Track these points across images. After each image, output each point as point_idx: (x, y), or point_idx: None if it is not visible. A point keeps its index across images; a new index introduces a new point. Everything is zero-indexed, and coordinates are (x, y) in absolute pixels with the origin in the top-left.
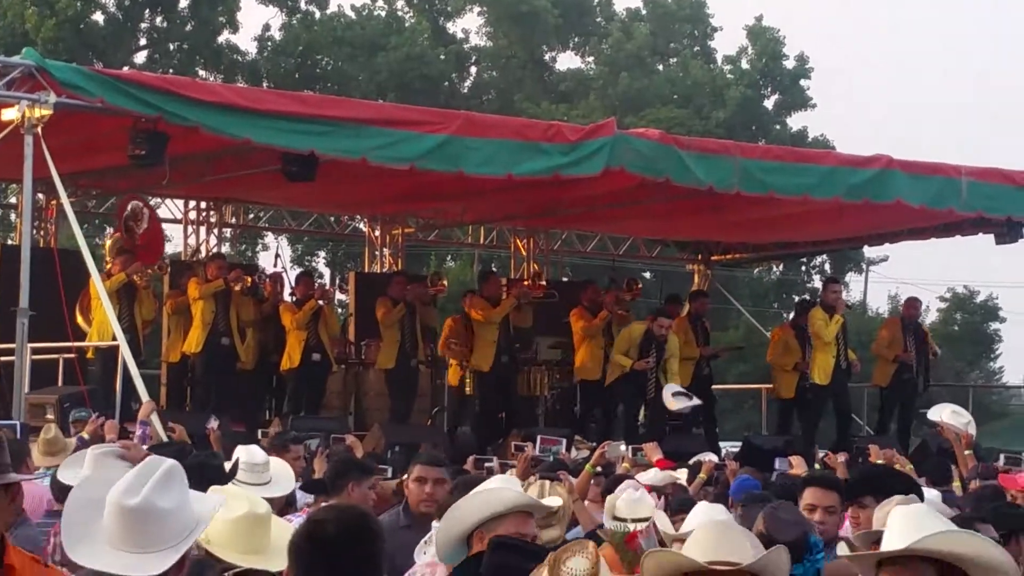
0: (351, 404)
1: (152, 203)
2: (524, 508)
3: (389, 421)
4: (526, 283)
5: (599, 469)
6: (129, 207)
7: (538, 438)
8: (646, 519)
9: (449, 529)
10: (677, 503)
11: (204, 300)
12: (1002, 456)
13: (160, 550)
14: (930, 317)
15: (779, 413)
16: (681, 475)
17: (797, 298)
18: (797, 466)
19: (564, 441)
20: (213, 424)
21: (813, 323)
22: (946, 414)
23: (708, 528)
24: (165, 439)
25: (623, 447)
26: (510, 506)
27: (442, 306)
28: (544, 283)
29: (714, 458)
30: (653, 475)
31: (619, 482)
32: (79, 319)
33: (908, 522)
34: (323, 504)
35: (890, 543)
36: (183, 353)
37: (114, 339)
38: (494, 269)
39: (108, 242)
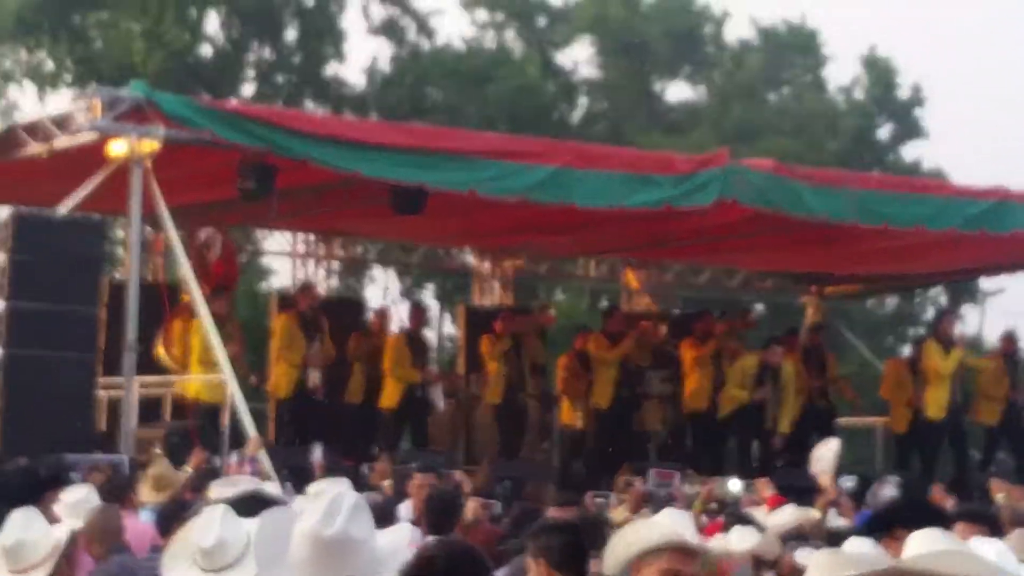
0: (460, 440)
1: (259, 236)
2: (678, 545)
3: (498, 456)
4: (645, 324)
5: (713, 505)
6: (202, 235)
7: (651, 472)
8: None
9: (614, 554)
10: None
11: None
12: None
13: None
14: None
15: (897, 448)
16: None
17: (912, 331)
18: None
19: (678, 475)
20: (318, 455)
21: (928, 356)
22: None
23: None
24: (273, 474)
25: (732, 484)
26: (663, 542)
27: (552, 339)
28: (664, 328)
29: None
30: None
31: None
32: (161, 352)
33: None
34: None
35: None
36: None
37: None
38: (615, 305)
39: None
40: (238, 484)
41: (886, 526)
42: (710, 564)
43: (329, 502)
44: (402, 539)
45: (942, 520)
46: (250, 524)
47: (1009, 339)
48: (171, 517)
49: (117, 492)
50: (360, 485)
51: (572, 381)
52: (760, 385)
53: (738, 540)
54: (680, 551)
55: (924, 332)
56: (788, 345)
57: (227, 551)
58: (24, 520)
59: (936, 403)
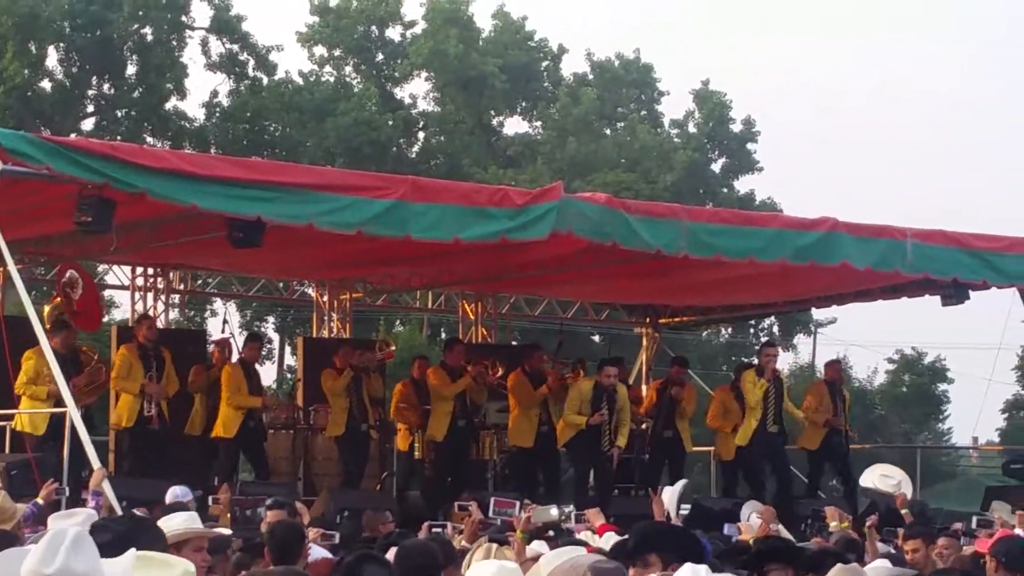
0: (299, 469)
1: (100, 269)
2: None
3: (339, 486)
4: (485, 363)
5: (550, 532)
6: (67, 275)
7: (491, 501)
8: None
9: None
10: None
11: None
12: (974, 519)
13: None
14: (878, 379)
15: (723, 475)
16: None
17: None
18: (745, 532)
19: (517, 504)
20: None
21: (744, 385)
22: (875, 478)
23: None
24: (117, 508)
25: (553, 511)
26: None
27: (391, 371)
28: (500, 369)
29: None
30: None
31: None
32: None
33: None
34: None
35: None
36: (134, 417)
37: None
38: (455, 338)
39: (47, 308)
40: (75, 516)
41: (638, 553)
42: None
43: (49, 538)
44: (127, 567)
45: (695, 544)
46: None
47: (834, 367)
48: None
49: None
50: (204, 518)
51: (407, 410)
52: (597, 409)
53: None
54: None
55: (744, 360)
56: (619, 367)
57: None
58: None
59: (745, 431)
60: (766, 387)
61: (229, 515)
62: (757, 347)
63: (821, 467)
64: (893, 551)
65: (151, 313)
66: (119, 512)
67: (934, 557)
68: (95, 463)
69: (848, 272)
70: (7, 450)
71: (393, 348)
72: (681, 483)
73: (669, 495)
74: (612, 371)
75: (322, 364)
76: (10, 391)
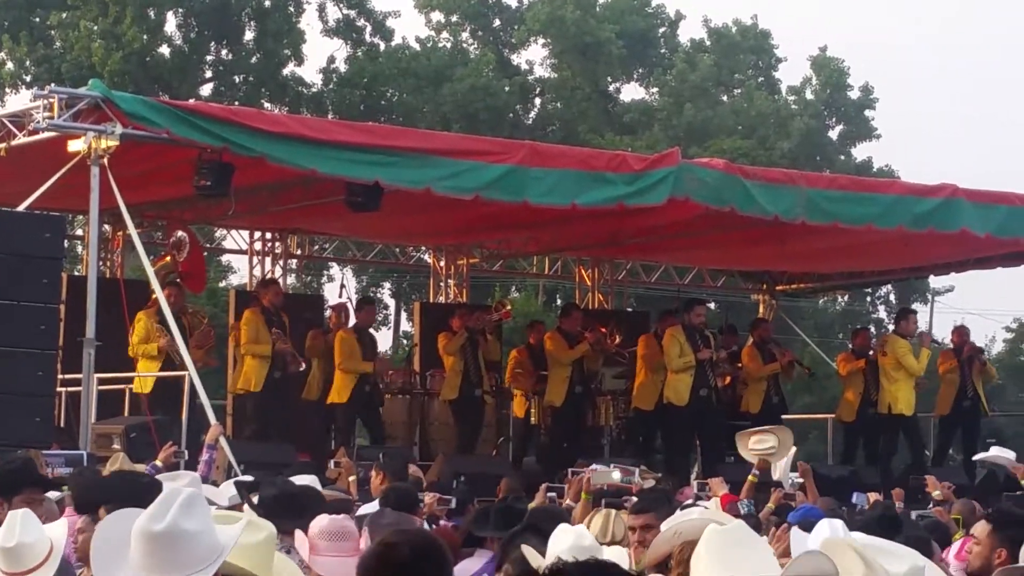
0: (416, 434)
1: (217, 234)
2: None
3: (454, 452)
4: (603, 330)
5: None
6: (175, 235)
7: (609, 467)
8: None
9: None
10: None
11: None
12: None
13: (186, 574)
14: (996, 348)
15: (844, 441)
16: None
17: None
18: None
19: (636, 471)
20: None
21: (896, 352)
22: (991, 454)
23: None
24: (235, 465)
25: (615, 473)
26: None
27: (506, 338)
28: (618, 337)
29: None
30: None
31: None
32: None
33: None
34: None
35: None
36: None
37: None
38: (574, 303)
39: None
40: (181, 478)
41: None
42: None
43: (160, 499)
44: (238, 532)
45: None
46: (52, 529)
47: (959, 332)
48: None
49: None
50: (323, 481)
51: (523, 376)
52: (696, 350)
53: None
54: None
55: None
56: (731, 336)
57: (26, 554)
58: (22, 521)
59: (906, 399)
60: (929, 356)
61: (350, 479)
62: (873, 315)
63: (951, 435)
64: None
65: (271, 277)
66: (237, 470)
67: None
68: (212, 420)
69: (967, 239)
70: (126, 412)
71: (509, 307)
72: (792, 451)
73: (782, 465)
74: (701, 310)
75: (439, 329)
76: (127, 354)
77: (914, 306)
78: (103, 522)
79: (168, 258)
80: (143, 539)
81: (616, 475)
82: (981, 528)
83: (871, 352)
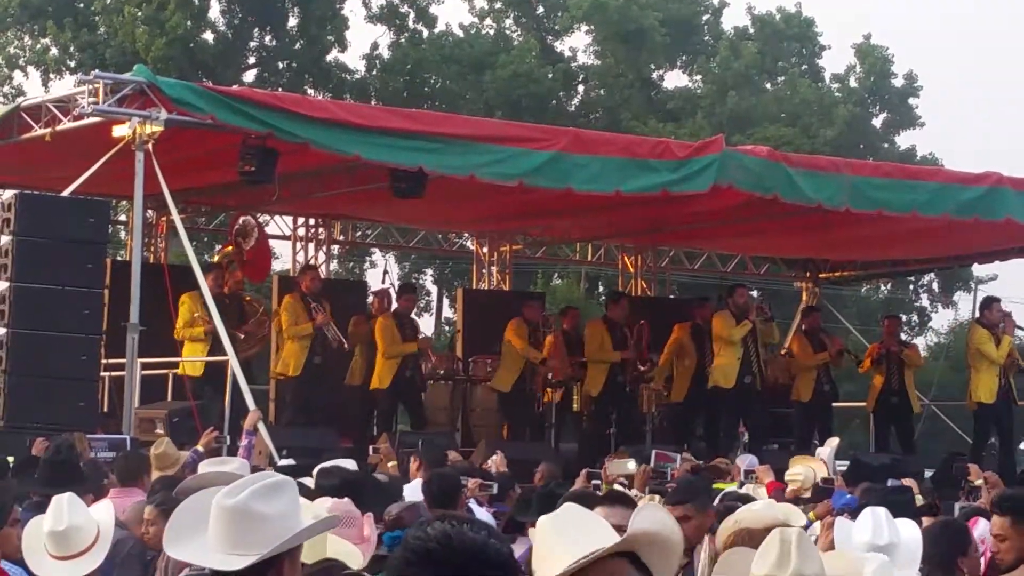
0: (458, 420)
1: (261, 220)
2: None
3: (498, 438)
4: (645, 327)
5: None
6: (240, 222)
7: (652, 453)
8: None
9: None
10: None
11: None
12: None
13: (245, 554)
14: None
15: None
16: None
17: (903, 316)
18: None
19: (678, 458)
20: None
21: (977, 341)
22: None
23: None
24: (274, 451)
25: (631, 464)
26: None
27: None
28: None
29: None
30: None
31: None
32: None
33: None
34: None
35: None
36: (301, 366)
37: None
38: (621, 292)
39: (216, 257)
40: (228, 463)
41: None
42: None
43: (246, 479)
44: (318, 514)
45: None
46: (98, 511)
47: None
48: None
49: (134, 473)
50: (363, 467)
51: (553, 361)
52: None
53: None
54: None
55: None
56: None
57: (75, 537)
58: (69, 504)
59: (987, 388)
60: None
61: (391, 464)
62: (916, 303)
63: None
64: None
65: (312, 263)
66: (276, 456)
67: None
68: (251, 405)
69: (1012, 227)
70: (169, 397)
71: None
72: (835, 441)
73: (828, 454)
74: (743, 291)
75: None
76: (173, 338)
77: (957, 295)
78: (188, 499)
79: (231, 246)
80: (214, 513)
81: (631, 466)
82: (1000, 523)
83: (897, 344)
